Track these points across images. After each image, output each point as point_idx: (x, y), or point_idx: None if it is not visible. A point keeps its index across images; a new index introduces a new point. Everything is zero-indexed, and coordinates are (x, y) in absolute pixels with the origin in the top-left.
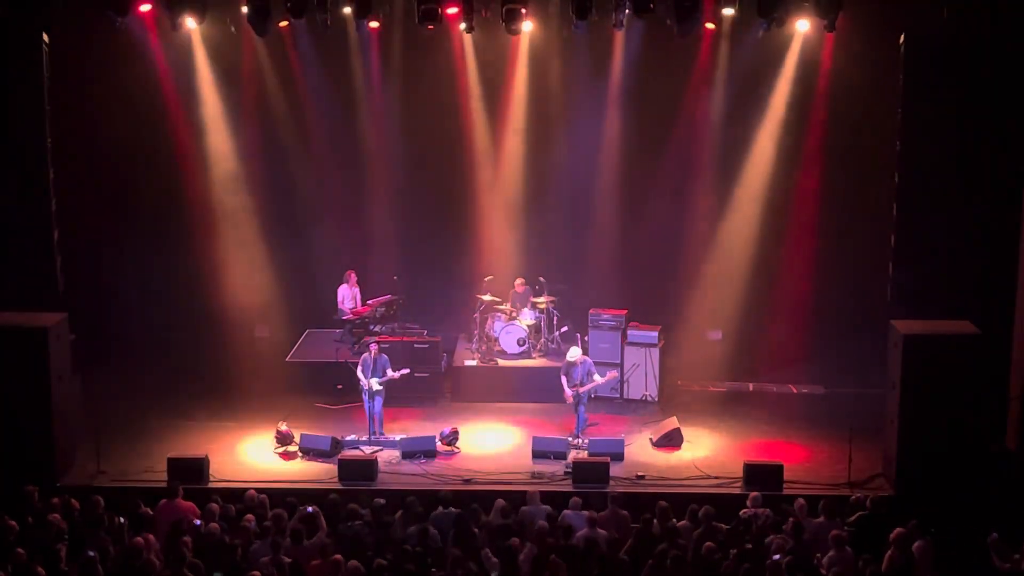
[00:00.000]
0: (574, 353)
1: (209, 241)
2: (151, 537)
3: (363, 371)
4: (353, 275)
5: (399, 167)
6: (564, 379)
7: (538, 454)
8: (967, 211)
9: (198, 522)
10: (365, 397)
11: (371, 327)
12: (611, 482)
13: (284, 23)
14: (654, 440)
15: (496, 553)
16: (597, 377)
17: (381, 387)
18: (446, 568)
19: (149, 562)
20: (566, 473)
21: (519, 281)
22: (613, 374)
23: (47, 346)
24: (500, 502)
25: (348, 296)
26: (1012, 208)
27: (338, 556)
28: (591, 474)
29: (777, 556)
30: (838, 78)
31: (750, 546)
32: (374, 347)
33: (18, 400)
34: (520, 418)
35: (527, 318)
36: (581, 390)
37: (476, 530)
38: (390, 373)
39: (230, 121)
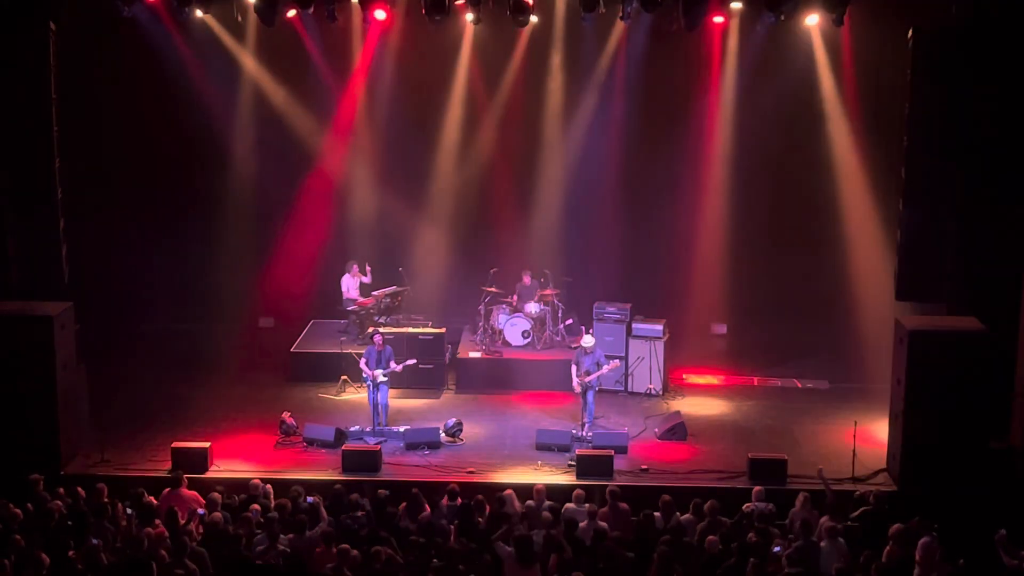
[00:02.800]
0: (588, 341)
1: (214, 231)
2: (162, 530)
3: (367, 362)
4: (356, 266)
5: (404, 158)
6: (574, 368)
7: (542, 446)
8: (974, 207)
9: (201, 511)
10: (369, 388)
11: (376, 318)
12: (615, 475)
13: (291, 13)
14: (658, 434)
15: (510, 544)
16: (603, 367)
17: (386, 378)
18: (450, 559)
19: (157, 554)
20: (569, 466)
21: (526, 273)
22: (615, 364)
23: (52, 335)
24: (509, 492)
25: (352, 286)
26: (1019, 204)
27: (344, 545)
28: (595, 467)
29: (777, 548)
30: (847, 73)
31: (753, 539)
32: (379, 338)
33: (23, 389)
34: (524, 410)
35: (532, 310)
36: (587, 379)
37: (480, 519)
38: (393, 366)
39: (235, 109)
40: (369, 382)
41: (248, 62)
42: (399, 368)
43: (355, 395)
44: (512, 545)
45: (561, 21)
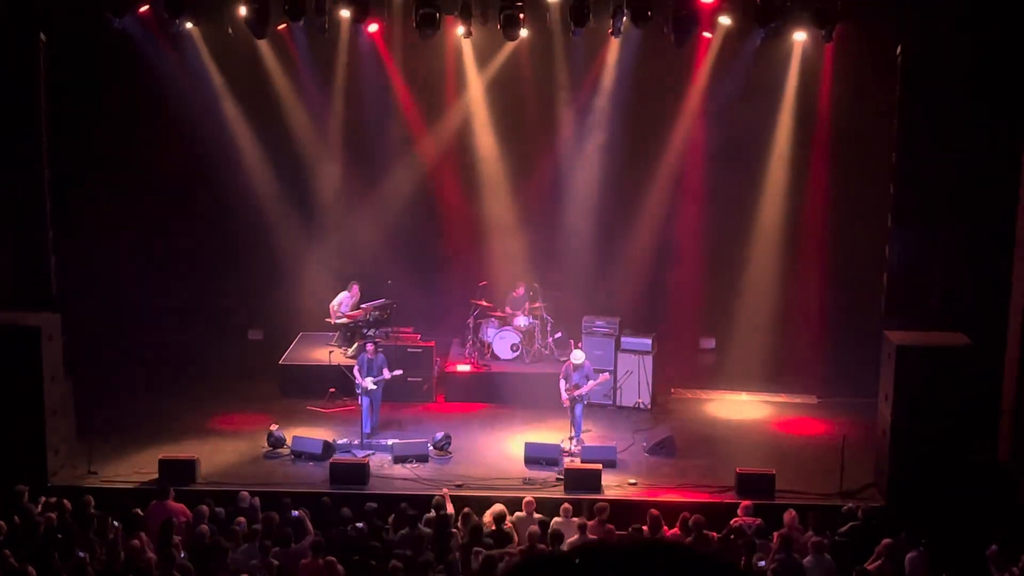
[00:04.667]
0: (578, 356)
1: (203, 243)
2: (144, 536)
3: (360, 370)
4: (356, 286)
5: (394, 170)
6: (563, 382)
7: (530, 460)
8: (962, 222)
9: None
10: (361, 397)
11: (364, 331)
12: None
13: (282, 26)
14: (646, 448)
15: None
16: (591, 381)
17: (376, 387)
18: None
19: (143, 566)
20: (558, 479)
21: (520, 285)
22: (605, 376)
23: (40, 346)
24: (498, 507)
25: (346, 303)
26: (1007, 220)
27: (331, 558)
28: (583, 481)
29: (762, 563)
30: (835, 89)
31: (741, 554)
32: (371, 346)
33: (10, 400)
34: (512, 423)
35: (521, 323)
36: (575, 393)
37: (454, 531)
38: (385, 373)
39: (224, 123)
40: (360, 391)
41: (238, 75)
42: (388, 376)
43: (344, 408)
44: (478, 563)
45: (552, 35)
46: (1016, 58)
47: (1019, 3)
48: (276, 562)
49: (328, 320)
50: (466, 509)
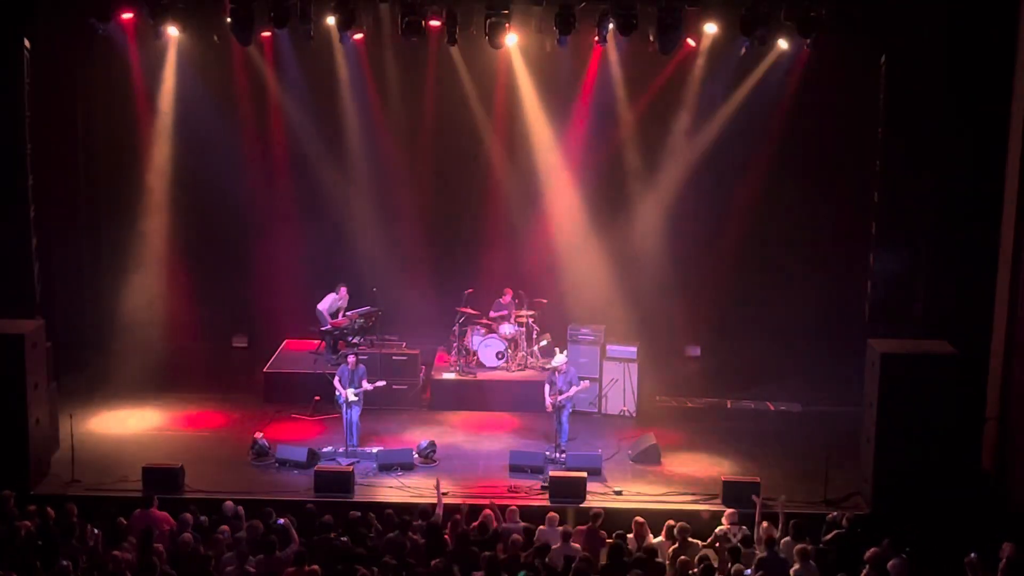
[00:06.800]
0: (559, 359)
1: (188, 250)
2: (125, 544)
3: (340, 381)
4: (344, 288)
5: (380, 179)
6: (547, 387)
7: (515, 468)
8: (946, 230)
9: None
10: (343, 408)
11: (349, 338)
12: (587, 497)
13: (267, 33)
14: (631, 456)
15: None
16: (574, 387)
17: (357, 397)
18: None
19: (125, 571)
20: (543, 487)
21: (506, 292)
22: (585, 384)
23: (23, 353)
24: (487, 513)
25: (333, 304)
26: (990, 227)
27: (315, 567)
28: (568, 489)
29: (748, 572)
30: (818, 98)
31: (724, 561)
32: (352, 357)
33: None
34: (498, 431)
35: (506, 331)
36: (560, 398)
37: (447, 537)
38: (365, 385)
39: (211, 132)
40: (342, 401)
41: (222, 81)
42: (370, 387)
43: (329, 415)
44: (483, 567)
45: (539, 43)
46: (999, 68)
47: (1003, 14)
48: (255, 570)
49: (312, 328)
50: (457, 515)
